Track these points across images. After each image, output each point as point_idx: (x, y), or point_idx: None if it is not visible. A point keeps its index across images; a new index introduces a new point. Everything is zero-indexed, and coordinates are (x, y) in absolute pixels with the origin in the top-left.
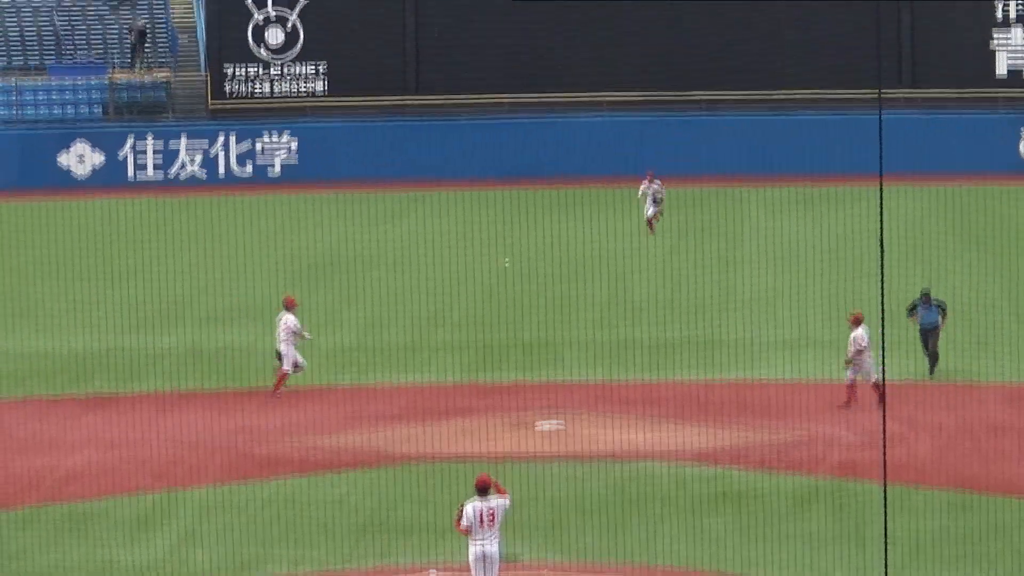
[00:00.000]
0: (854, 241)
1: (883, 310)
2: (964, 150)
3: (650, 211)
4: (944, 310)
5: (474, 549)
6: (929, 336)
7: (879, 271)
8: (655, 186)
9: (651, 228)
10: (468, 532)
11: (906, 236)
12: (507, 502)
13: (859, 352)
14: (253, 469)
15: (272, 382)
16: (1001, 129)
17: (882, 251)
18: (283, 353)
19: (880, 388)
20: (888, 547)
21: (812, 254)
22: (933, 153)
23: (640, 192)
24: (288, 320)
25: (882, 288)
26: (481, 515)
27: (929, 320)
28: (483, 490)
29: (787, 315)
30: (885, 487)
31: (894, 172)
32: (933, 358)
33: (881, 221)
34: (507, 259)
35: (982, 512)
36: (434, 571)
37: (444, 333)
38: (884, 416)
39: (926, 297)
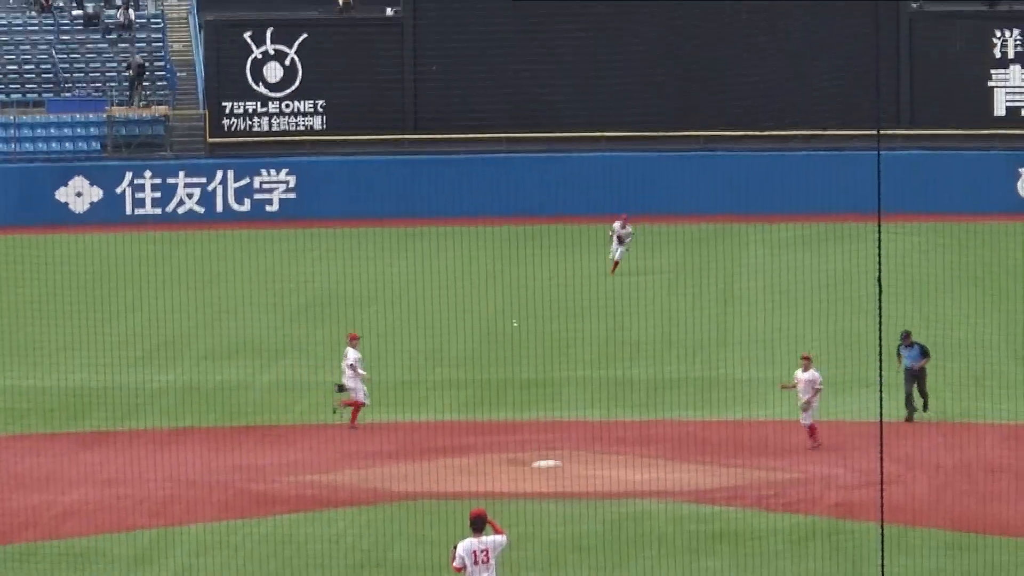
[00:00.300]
0: (852, 279)
1: (881, 349)
2: (962, 189)
3: (617, 252)
4: (926, 351)
5: None
6: (917, 377)
7: (877, 310)
8: (627, 229)
9: (614, 269)
10: (462, 570)
11: (904, 274)
12: (503, 539)
13: (817, 392)
14: (250, 506)
15: (348, 416)
16: (999, 168)
17: (880, 290)
18: (351, 387)
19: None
20: None
21: (810, 292)
22: (931, 191)
23: (611, 232)
24: (349, 354)
25: (880, 327)
26: (475, 554)
27: (912, 360)
28: (477, 524)
29: (785, 354)
30: (882, 527)
31: (892, 210)
32: (922, 398)
33: (880, 259)
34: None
35: (979, 553)
36: None
37: (441, 370)
38: (881, 456)
39: (907, 338)
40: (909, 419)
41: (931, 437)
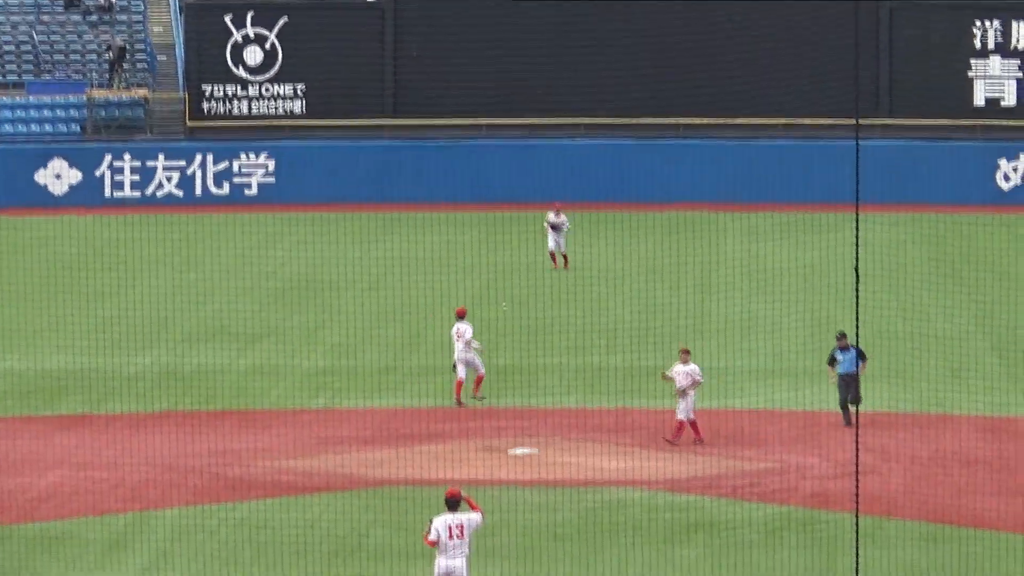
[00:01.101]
0: (830, 269)
1: (858, 338)
2: (941, 179)
3: (552, 244)
4: (863, 354)
5: (439, 562)
6: (850, 383)
7: (855, 299)
8: (562, 218)
9: (555, 262)
10: (436, 545)
11: (882, 265)
12: (478, 517)
13: (693, 385)
14: (225, 491)
15: (453, 394)
16: (978, 159)
17: (858, 279)
18: (470, 361)
19: (680, 427)
20: None
21: (788, 281)
22: (910, 182)
23: (546, 223)
24: (464, 329)
25: (857, 316)
26: (450, 528)
27: (849, 365)
28: (452, 504)
29: (762, 343)
30: (857, 518)
31: (871, 200)
32: (856, 402)
33: (857, 249)
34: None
35: (954, 544)
36: None
37: (419, 357)
38: (857, 447)
39: (842, 339)
40: (848, 424)
41: (907, 428)
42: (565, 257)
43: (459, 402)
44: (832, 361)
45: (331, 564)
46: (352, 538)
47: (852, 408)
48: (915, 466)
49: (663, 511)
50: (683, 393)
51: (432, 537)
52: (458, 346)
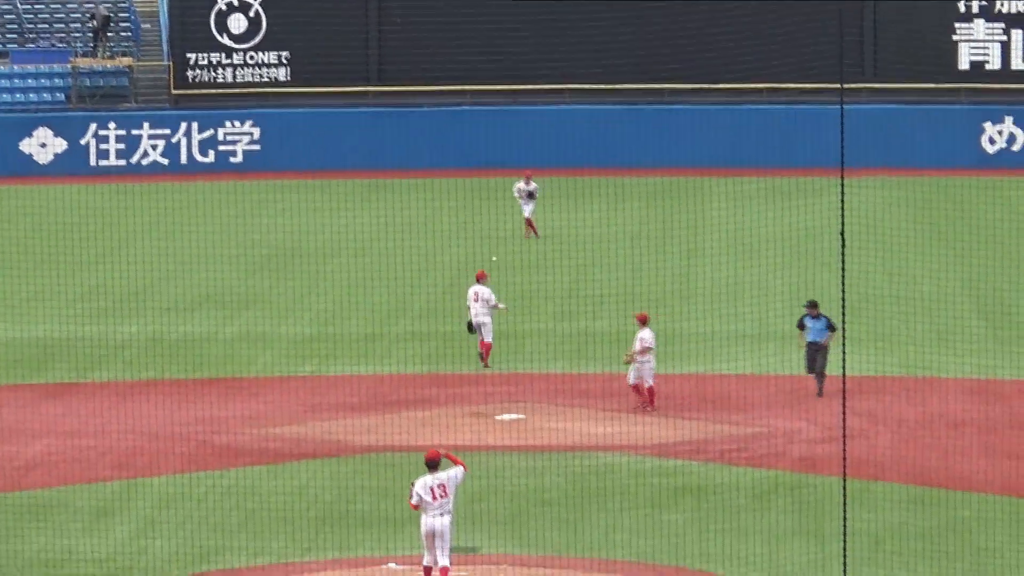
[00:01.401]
0: (816, 233)
1: (844, 302)
2: (926, 143)
3: (527, 211)
4: (832, 325)
5: (424, 521)
6: (817, 353)
7: (840, 263)
8: (533, 185)
9: (531, 229)
10: (419, 507)
11: (868, 229)
12: (460, 471)
13: (644, 351)
14: (213, 459)
15: (478, 358)
16: (963, 122)
17: (843, 243)
18: (481, 327)
19: (651, 393)
20: (847, 542)
21: (774, 246)
22: (895, 146)
23: (516, 191)
24: (483, 292)
25: (843, 280)
26: (432, 489)
27: (817, 334)
28: (432, 465)
29: (748, 308)
30: (845, 481)
31: (856, 165)
32: (820, 377)
33: (843, 213)
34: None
35: (941, 507)
36: (393, 563)
37: (405, 323)
38: (844, 410)
39: (813, 308)
40: (820, 394)
41: (894, 392)
42: (531, 224)
43: (485, 364)
44: (801, 326)
45: (319, 531)
46: (340, 504)
47: (817, 391)
48: (902, 429)
49: (650, 476)
50: (634, 359)
51: (414, 501)
52: (475, 309)
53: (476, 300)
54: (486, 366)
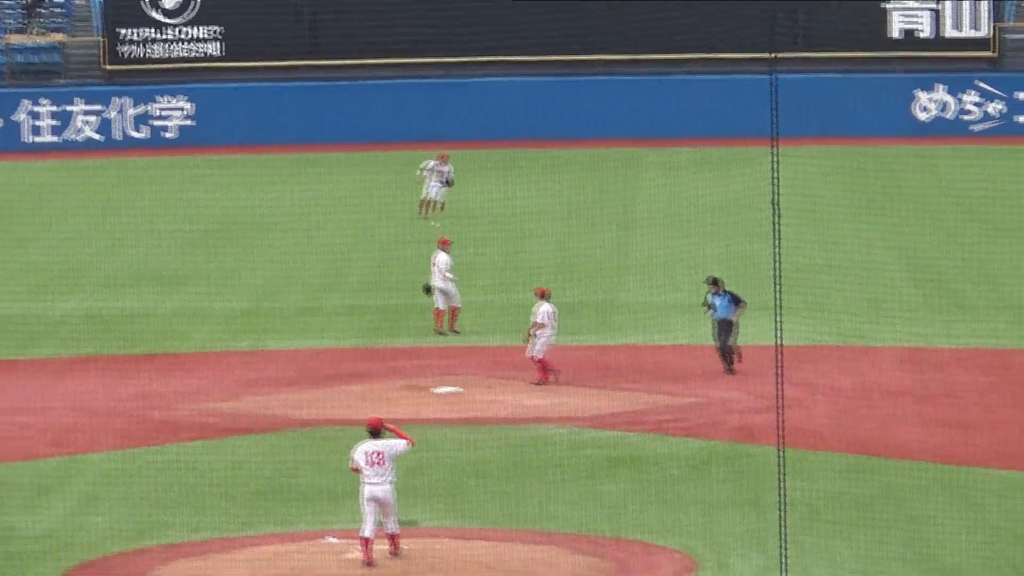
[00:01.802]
0: (750, 204)
1: (778, 273)
2: (859, 112)
3: (434, 192)
4: (737, 299)
5: (362, 490)
6: (722, 330)
7: (775, 234)
8: (447, 168)
9: (428, 209)
10: (358, 471)
11: (801, 199)
12: (402, 444)
13: (536, 326)
14: (152, 434)
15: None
16: (895, 91)
17: (776, 214)
18: (446, 291)
19: (541, 365)
20: (785, 512)
21: (708, 216)
22: (828, 116)
23: (423, 170)
24: (440, 259)
25: (778, 251)
26: (368, 455)
27: (723, 312)
28: (373, 432)
29: (683, 278)
30: (783, 451)
31: (789, 135)
32: (729, 353)
33: (775, 183)
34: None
35: (877, 475)
36: (332, 537)
37: (341, 296)
38: (780, 380)
39: (715, 285)
40: (730, 372)
41: (830, 361)
42: (432, 205)
43: (439, 332)
44: (708, 307)
45: (258, 505)
46: (279, 479)
47: (731, 355)
48: (838, 399)
49: (587, 447)
50: (528, 336)
51: (352, 466)
52: (435, 275)
53: (435, 266)
54: (455, 332)
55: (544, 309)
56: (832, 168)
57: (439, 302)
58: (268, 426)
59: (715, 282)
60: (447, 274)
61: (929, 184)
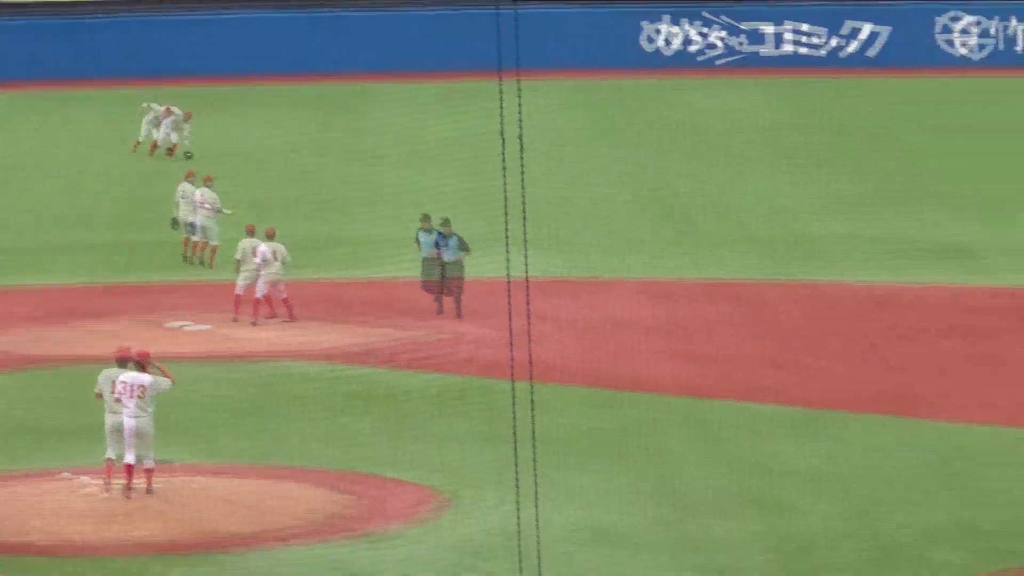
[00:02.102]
0: (492, 138)
1: (524, 208)
2: (589, 44)
3: (169, 136)
4: (465, 246)
5: (105, 419)
6: (434, 267)
7: (519, 168)
8: (176, 115)
9: (155, 149)
10: (100, 397)
11: (544, 133)
12: (153, 380)
13: (239, 262)
14: None
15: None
16: (623, 22)
17: (520, 148)
18: (193, 222)
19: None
20: (532, 446)
21: (446, 150)
22: (560, 48)
23: (152, 116)
24: (200, 195)
25: (523, 186)
26: (113, 384)
27: (450, 253)
28: (120, 361)
29: (432, 212)
30: (514, 385)
31: (529, 66)
32: (457, 300)
33: (520, 117)
34: (230, 210)
35: (621, 409)
36: (67, 472)
37: (92, 234)
38: (528, 314)
39: (426, 222)
40: (440, 312)
41: (576, 295)
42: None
43: (188, 260)
44: (437, 248)
45: (10, 444)
46: (30, 418)
47: (451, 300)
48: (586, 333)
49: (337, 383)
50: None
51: (96, 390)
52: (188, 209)
53: (201, 202)
54: (210, 267)
55: (243, 245)
56: (568, 102)
57: (197, 237)
58: (18, 364)
59: (426, 218)
60: (224, 210)
61: (661, 113)
